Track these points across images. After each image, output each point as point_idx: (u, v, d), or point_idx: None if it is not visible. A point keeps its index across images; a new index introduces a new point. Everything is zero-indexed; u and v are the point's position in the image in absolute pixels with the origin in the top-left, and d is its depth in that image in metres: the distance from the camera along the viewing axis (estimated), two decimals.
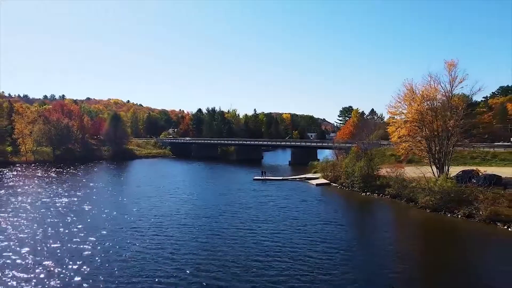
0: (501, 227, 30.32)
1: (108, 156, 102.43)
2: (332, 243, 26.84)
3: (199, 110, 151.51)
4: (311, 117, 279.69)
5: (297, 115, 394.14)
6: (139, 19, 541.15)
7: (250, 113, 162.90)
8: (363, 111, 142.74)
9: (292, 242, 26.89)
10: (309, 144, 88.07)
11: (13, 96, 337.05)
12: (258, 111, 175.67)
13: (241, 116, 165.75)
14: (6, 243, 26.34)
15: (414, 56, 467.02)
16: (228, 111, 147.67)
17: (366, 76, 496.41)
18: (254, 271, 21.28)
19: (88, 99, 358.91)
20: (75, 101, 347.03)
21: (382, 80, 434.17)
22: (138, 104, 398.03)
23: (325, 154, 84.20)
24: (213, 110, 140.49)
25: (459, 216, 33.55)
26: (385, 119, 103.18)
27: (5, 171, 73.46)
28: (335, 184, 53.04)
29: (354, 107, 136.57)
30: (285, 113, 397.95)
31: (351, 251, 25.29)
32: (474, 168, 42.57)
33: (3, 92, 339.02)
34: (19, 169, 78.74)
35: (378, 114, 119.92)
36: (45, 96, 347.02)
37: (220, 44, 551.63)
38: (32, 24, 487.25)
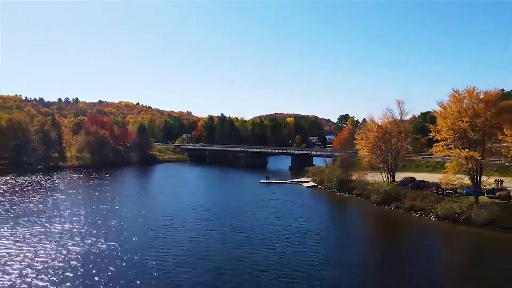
0: (414, 214, 50.07)
1: (136, 161, 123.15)
2: (310, 220, 47.02)
3: (211, 118, 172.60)
4: (314, 120, 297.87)
5: (301, 117, 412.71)
6: (147, 24, 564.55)
7: (257, 113, 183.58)
8: (357, 120, 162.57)
9: (286, 219, 47.09)
10: (306, 152, 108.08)
11: (29, 99, 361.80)
12: (264, 112, 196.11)
13: (247, 119, 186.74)
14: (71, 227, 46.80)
15: (416, 59, 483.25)
16: (237, 119, 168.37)
17: (369, 79, 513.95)
18: (266, 231, 41.49)
19: (101, 102, 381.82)
20: (88, 104, 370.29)
21: (383, 83, 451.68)
22: (147, 106, 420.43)
23: (319, 160, 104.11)
24: (224, 118, 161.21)
25: (392, 208, 53.39)
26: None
27: (60, 174, 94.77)
28: (321, 186, 72.96)
29: (353, 114, 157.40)
30: (290, 116, 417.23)
31: (321, 223, 45.57)
32: (413, 175, 62.43)
33: (20, 95, 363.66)
34: (70, 172, 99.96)
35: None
36: (60, 100, 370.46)
37: (227, 47, 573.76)
38: (44, 28, 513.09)
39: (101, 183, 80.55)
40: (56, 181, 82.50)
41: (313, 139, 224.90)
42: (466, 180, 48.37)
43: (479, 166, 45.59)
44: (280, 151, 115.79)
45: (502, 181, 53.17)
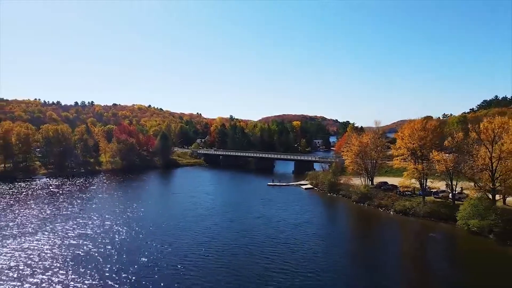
0: (380, 210, 69.48)
1: (160, 165, 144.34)
2: (304, 212, 66.73)
3: (223, 125, 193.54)
4: (319, 123, 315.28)
5: (308, 118, 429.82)
6: (159, 30, 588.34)
7: (265, 114, 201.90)
8: (356, 126, 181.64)
9: (287, 211, 66.90)
10: (306, 158, 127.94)
11: (47, 102, 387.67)
12: (272, 113, 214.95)
13: (256, 120, 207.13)
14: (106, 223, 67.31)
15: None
16: (247, 125, 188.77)
17: (375, 81, 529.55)
18: (274, 218, 61.41)
19: (115, 105, 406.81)
20: (103, 108, 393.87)
21: (388, 85, 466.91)
22: (159, 108, 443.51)
23: (318, 165, 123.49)
24: (235, 126, 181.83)
25: (366, 205, 72.86)
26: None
27: (101, 177, 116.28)
28: (316, 188, 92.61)
29: (359, 113, 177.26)
30: (297, 117, 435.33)
31: (312, 214, 65.32)
32: (387, 179, 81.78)
33: (39, 99, 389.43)
34: (107, 175, 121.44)
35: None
36: (76, 103, 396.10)
37: (238, 51, 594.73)
38: (65, 33, 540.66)
39: (138, 184, 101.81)
40: (101, 183, 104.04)
41: (318, 142, 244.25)
42: (418, 185, 67.72)
43: (424, 175, 64.83)
44: (284, 157, 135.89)
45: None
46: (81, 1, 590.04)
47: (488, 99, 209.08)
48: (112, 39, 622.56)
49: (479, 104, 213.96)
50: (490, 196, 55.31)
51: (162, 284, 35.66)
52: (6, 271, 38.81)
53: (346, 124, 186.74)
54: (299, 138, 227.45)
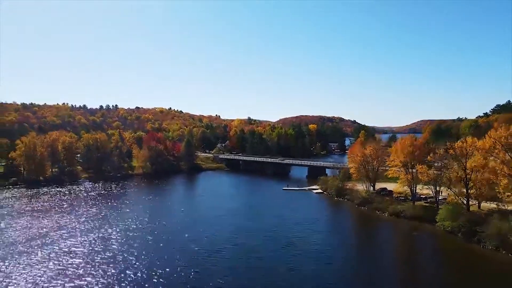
0: (378, 212, 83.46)
1: (185, 169, 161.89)
2: (312, 212, 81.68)
3: (242, 130, 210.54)
4: (335, 126, 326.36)
5: (325, 120, 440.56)
6: (181, 37, 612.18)
7: (283, 115, 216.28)
8: (372, 128, 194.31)
9: (298, 212, 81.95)
10: (318, 164, 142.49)
11: (75, 106, 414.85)
12: (290, 114, 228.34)
13: (274, 120, 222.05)
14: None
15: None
16: (264, 131, 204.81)
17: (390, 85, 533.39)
18: (288, 218, 76.74)
19: (138, 108, 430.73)
20: (127, 111, 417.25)
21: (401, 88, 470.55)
22: (179, 110, 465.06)
23: (330, 170, 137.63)
24: (253, 131, 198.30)
25: (366, 208, 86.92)
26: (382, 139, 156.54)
27: (136, 180, 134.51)
28: (325, 193, 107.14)
29: (372, 120, 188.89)
30: (315, 117, 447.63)
31: (319, 215, 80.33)
32: (388, 185, 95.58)
33: (67, 103, 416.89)
34: (140, 179, 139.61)
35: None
36: (101, 107, 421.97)
37: (256, 55, 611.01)
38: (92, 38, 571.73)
39: (170, 188, 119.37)
40: (139, 186, 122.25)
41: (333, 145, 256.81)
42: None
43: (413, 183, 78.58)
44: (299, 162, 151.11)
45: (441, 192, 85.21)
46: (100, 5, 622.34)
47: (502, 104, 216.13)
48: (131, 43, 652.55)
49: (492, 108, 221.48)
50: (465, 202, 68.70)
51: (208, 264, 51.60)
52: (94, 255, 55.84)
53: (360, 128, 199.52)
54: (315, 142, 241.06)
